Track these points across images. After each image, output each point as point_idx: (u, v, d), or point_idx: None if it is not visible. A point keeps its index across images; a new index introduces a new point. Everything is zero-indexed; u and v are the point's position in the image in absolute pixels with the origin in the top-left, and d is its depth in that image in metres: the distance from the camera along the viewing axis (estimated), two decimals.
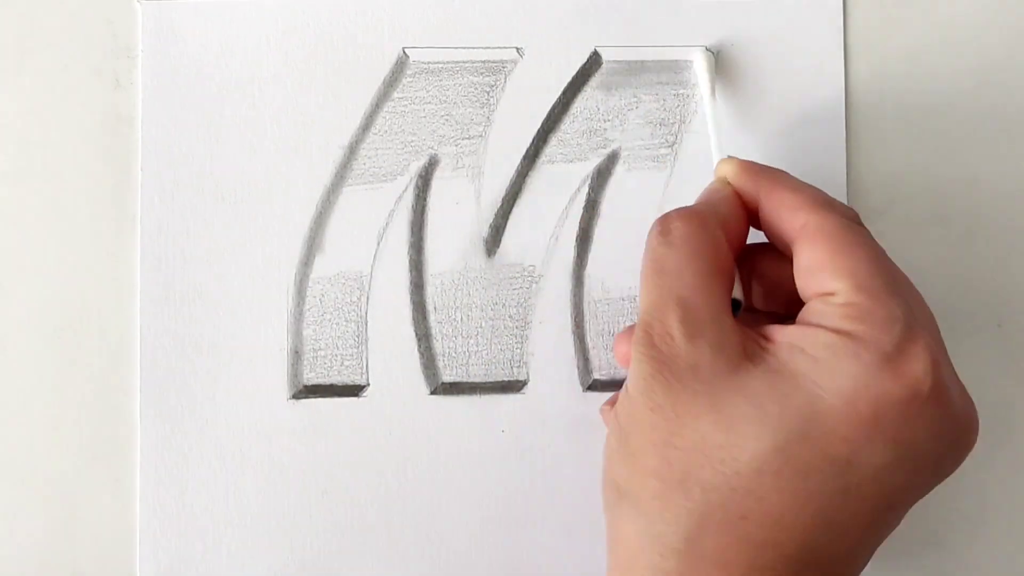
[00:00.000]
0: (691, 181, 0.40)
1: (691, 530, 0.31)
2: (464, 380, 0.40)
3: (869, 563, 0.40)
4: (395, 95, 0.40)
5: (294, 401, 0.39)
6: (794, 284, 0.34)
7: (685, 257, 0.34)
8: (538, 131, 0.40)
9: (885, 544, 0.40)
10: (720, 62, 0.41)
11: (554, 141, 0.40)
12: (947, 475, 0.33)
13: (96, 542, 0.39)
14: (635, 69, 0.41)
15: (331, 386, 0.40)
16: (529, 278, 0.40)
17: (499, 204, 0.40)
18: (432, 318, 0.40)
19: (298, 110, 0.40)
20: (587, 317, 0.40)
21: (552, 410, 0.40)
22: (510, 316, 0.40)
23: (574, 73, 0.41)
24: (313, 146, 0.40)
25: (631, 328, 0.36)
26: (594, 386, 0.40)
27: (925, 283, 0.41)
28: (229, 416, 0.39)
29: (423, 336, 0.40)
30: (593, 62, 0.41)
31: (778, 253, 0.35)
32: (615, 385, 0.40)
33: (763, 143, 0.41)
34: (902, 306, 0.32)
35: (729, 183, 0.36)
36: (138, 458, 0.39)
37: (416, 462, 0.39)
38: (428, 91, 0.40)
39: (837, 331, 0.31)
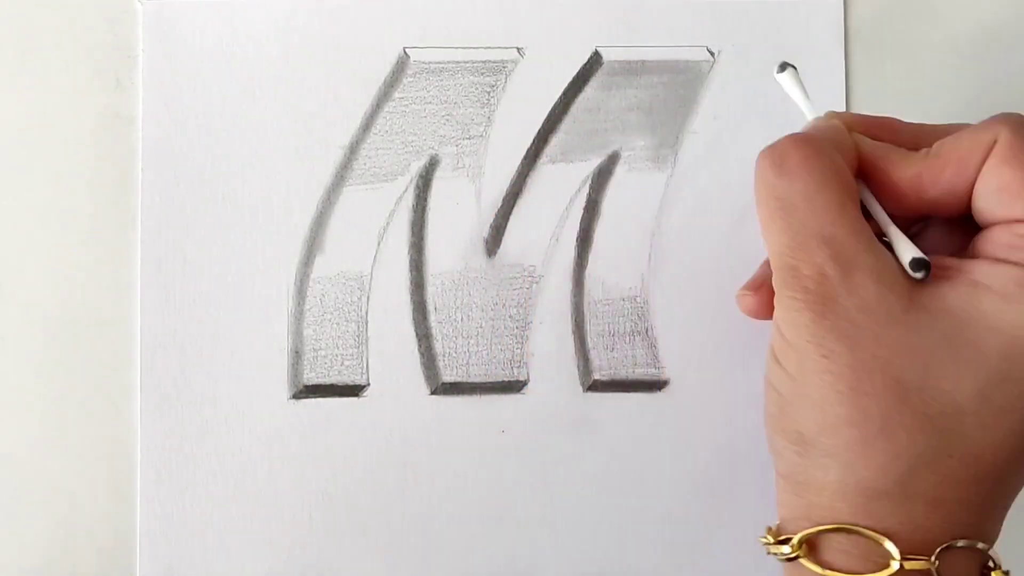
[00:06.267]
0: (691, 181, 0.40)
1: (902, 474, 0.30)
2: (464, 380, 0.40)
3: None
4: (396, 95, 0.40)
5: (294, 401, 0.39)
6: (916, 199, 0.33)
7: (814, 187, 0.32)
8: (539, 131, 0.40)
9: None
10: (720, 62, 0.41)
11: (554, 141, 0.40)
12: None
13: (96, 542, 0.39)
14: (635, 69, 0.41)
15: (331, 386, 0.40)
16: (529, 278, 0.40)
17: (499, 204, 0.40)
18: (432, 318, 0.40)
19: (298, 110, 0.40)
20: (587, 317, 0.40)
21: (552, 410, 0.40)
22: (510, 316, 0.40)
23: (574, 73, 0.41)
24: (313, 146, 0.40)
25: (759, 279, 0.35)
26: (594, 386, 0.40)
27: None
28: (229, 416, 0.39)
29: (423, 336, 0.40)
30: (593, 62, 0.41)
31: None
32: (615, 385, 0.40)
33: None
34: None
35: (833, 117, 0.35)
36: (138, 458, 0.39)
37: (416, 462, 0.39)
38: (429, 91, 0.40)
39: None
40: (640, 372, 0.40)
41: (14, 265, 0.39)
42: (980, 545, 0.31)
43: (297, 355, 0.40)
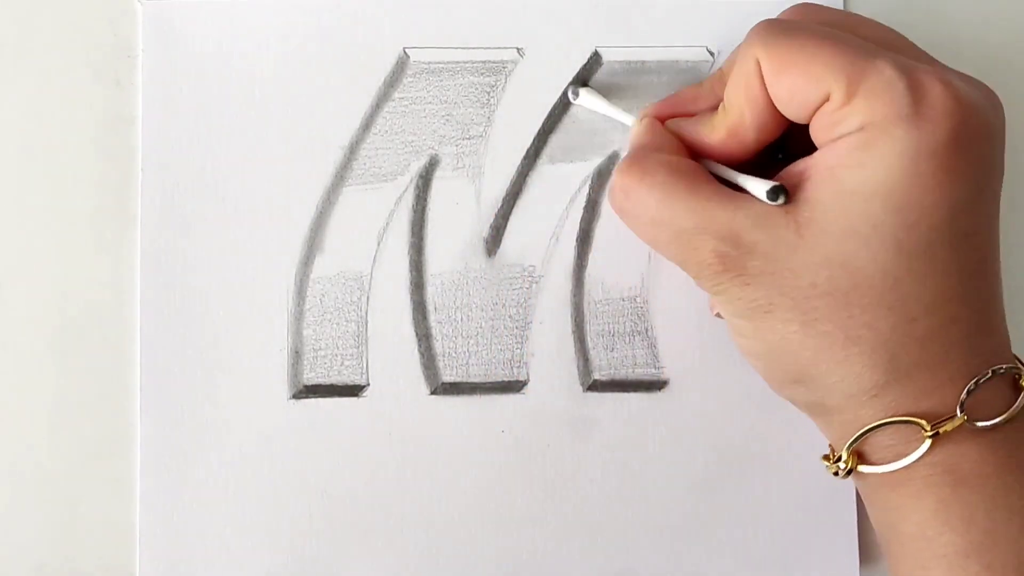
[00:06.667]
0: None
1: (888, 361, 0.32)
2: (464, 380, 0.40)
3: (867, 565, 0.40)
4: (396, 95, 0.40)
5: (294, 401, 0.39)
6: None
7: (661, 193, 0.34)
8: (538, 131, 0.40)
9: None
10: (720, 62, 0.41)
11: (554, 141, 0.40)
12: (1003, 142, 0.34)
13: (96, 542, 0.39)
14: (635, 69, 0.41)
15: (331, 386, 0.40)
16: (529, 278, 0.40)
17: (499, 204, 0.40)
18: (432, 318, 0.40)
19: (298, 110, 0.40)
20: (587, 317, 0.40)
21: (552, 410, 0.40)
22: (510, 316, 0.40)
23: (574, 73, 0.41)
24: (313, 146, 0.40)
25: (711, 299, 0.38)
26: (594, 386, 0.40)
27: None
28: (229, 416, 0.39)
29: (423, 336, 0.40)
30: (593, 62, 0.41)
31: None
32: (615, 385, 0.40)
33: None
34: (886, 60, 0.32)
35: (645, 115, 0.37)
36: (138, 458, 0.39)
37: (416, 462, 0.39)
38: (429, 91, 0.40)
39: (859, 129, 0.32)
40: (640, 372, 0.40)
41: (14, 265, 0.39)
42: (1000, 368, 0.33)
43: (297, 355, 0.40)
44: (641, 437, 0.40)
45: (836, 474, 0.35)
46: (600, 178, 0.40)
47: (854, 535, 0.40)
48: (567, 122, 0.40)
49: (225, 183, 0.40)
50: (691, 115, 0.37)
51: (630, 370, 0.40)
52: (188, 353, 0.39)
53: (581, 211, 0.40)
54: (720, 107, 0.36)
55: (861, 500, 0.40)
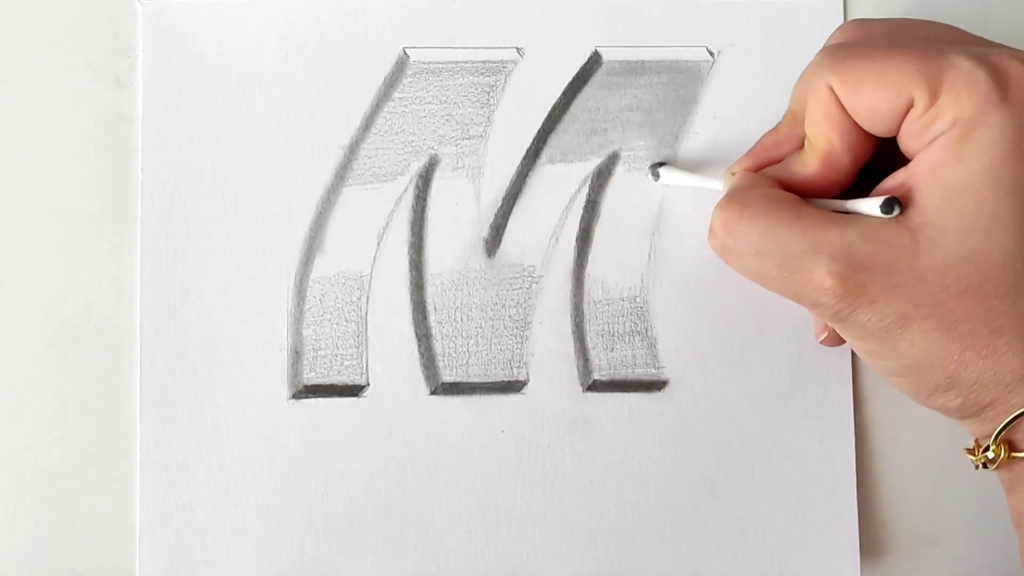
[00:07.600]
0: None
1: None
2: (464, 380, 0.40)
3: (868, 565, 0.40)
4: (395, 95, 0.40)
5: (294, 401, 0.39)
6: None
7: (765, 224, 0.34)
8: (538, 131, 0.40)
9: (884, 544, 0.40)
10: (720, 62, 0.41)
11: (554, 141, 0.40)
12: None
13: (96, 542, 0.39)
14: (635, 69, 0.41)
15: (331, 386, 0.40)
16: (529, 278, 0.40)
17: (499, 204, 0.40)
18: (432, 318, 0.40)
19: (298, 110, 0.40)
20: (587, 317, 0.40)
21: (552, 410, 0.40)
22: (510, 316, 0.40)
23: (574, 73, 0.41)
24: (313, 146, 0.40)
25: (819, 323, 0.38)
26: (594, 386, 0.40)
27: None
28: (229, 416, 0.39)
29: (423, 336, 0.40)
30: (593, 62, 0.41)
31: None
32: (615, 385, 0.40)
33: None
34: (960, 54, 0.32)
35: (733, 171, 0.37)
36: (138, 458, 0.39)
37: (416, 462, 0.39)
38: (428, 91, 0.40)
39: (952, 126, 0.32)
40: (640, 372, 0.40)
41: (14, 265, 0.39)
42: None
43: (297, 355, 0.40)
44: (641, 437, 0.40)
45: (984, 466, 0.34)
46: (600, 178, 0.40)
47: (854, 535, 0.40)
48: (567, 122, 0.40)
49: (225, 183, 0.40)
50: (777, 162, 0.36)
51: (630, 370, 0.40)
52: (188, 353, 0.39)
53: (581, 211, 0.40)
54: (805, 143, 0.35)
55: (861, 500, 0.40)
